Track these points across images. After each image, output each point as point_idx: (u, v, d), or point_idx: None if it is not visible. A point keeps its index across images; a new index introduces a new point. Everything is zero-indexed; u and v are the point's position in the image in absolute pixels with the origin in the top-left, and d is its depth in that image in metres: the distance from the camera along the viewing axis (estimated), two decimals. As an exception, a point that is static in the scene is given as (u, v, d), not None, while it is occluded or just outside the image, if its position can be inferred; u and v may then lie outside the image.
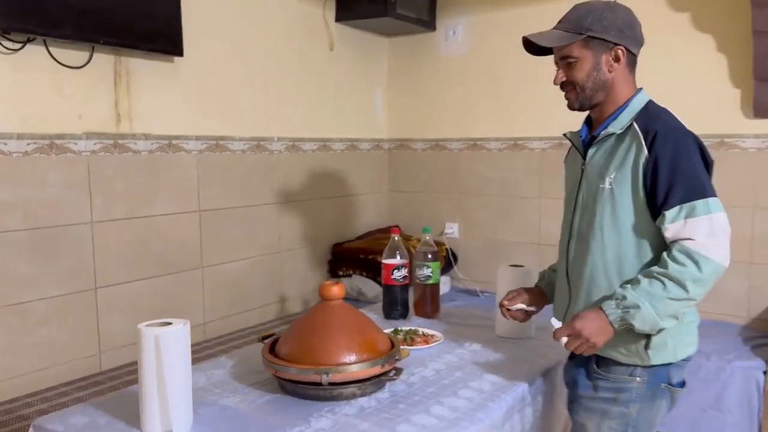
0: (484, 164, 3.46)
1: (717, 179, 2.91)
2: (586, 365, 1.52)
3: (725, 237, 1.36)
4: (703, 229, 1.33)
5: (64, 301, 2.28)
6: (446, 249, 3.45)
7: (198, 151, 2.72)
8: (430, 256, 2.10)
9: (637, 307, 1.34)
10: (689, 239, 1.34)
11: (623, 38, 1.46)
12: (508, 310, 1.69)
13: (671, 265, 1.34)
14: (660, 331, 1.39)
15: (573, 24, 1.46)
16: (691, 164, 1.37)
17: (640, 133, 1.41)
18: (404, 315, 2.10)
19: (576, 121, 1.65)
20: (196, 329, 2.72)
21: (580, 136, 1.58)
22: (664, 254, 1.37)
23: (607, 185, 1.44)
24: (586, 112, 1.58)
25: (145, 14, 2.36)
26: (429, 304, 2.12)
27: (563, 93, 1.52)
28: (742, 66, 2.76)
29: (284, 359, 1.45)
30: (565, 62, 1.48)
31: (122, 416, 1.36)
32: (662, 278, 1.34)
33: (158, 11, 2.40)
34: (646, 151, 1.38)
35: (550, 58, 1.55)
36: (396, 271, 2.07)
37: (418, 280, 2.11)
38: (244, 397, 1.47)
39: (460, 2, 3.47)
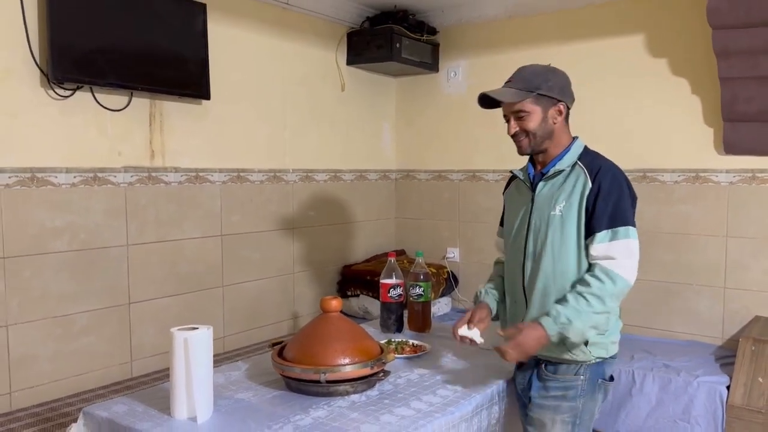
0: (482, 194, 3.74)
1: (693, 210, 3.20)
2: (537, 369, 1.80)
3: (635, 260, 1.68)
4: (621, 250, 1.66)
5: (101, 314, 2.59)
6: (447, 272, 3.72)
7: (221, 182, 3.04)
8: (422, 276, 2.37)
9: (570, 322, 1.63)
10: (609, 258, 1.66)
11: (564, 96, 1.79)
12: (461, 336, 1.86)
13: (593, 282, 1.65)
14: (587, 342, 1.70)
15: (524, 83, 1.76)
16: (621, 198, 1.70)
17: (585, 170, 1.74)
18: (399, 329, 2.38)
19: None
20: (216, 342, 2.97)
21: (528, 173, 1.87)
22: (586, 274, 1.69)
23: (557, 212, 1.75)
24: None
25: (177, 64, 2.70)
26: (421, 319, 2.39)
27: (515, 141, 1.81)
28: (713, 107, 3.03)
29: (290, 361, 1.74)
30: (517, 115, 1.78)
31: (155, 405, 1.65)
32: (586, 295, 1.65)
33: (188, 61, 2.75)
34: (590, 183, 1.71)
35: None
36: (392, 290, 2.35)
37: (411, 299, 2.38)
38: (255, 392, 1.75)
39: (460, 47, 3.80)
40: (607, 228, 1.67)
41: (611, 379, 1.81)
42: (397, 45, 3.50)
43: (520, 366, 1.85)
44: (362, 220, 3.91)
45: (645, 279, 3.19)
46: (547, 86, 1.76)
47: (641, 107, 3.25)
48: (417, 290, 2.37)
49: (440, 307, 3.66)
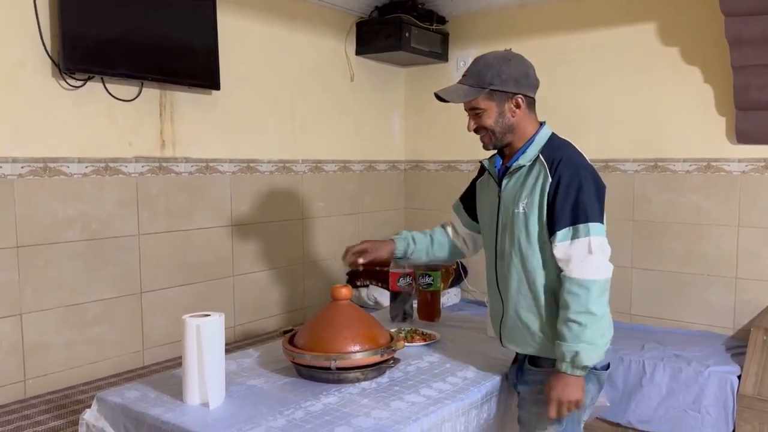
0: (492, 184, 3.72)
1: (704, 200, 3.18)
2: (521, 365, 1.77)
3: (603, 255, 1.60)
4: (583, 250, 1.58)
5: (114, 303, 2.62)
6: (457, 263, 3.72)
7: (231, 172, 3.05)
8: (432, 266, 2.38)
9: (577, 353, 1.57)
10: (573, 261, 1.59)
11: (520, 87, 1.70)
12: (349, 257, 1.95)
13: (570, 300, 1.58)
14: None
15: (476, 79, 1.68)
16: (583, 193, 1.60)
17: (545, 163, 1.65)
18: (409, 318, 2.38)
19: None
20: (227, 331, 3.00)
21: (495, 166, 1.81)
22: (562, 293, 1.61)
23: (521, 210, 1.68)
24: None
25: (186, 54, 2.71)
26: (430, 308, 2.40)
27: (479, 137, 1.77)
28: (725, 96, 3.00)
29: (300, 348, 1.75)
30: (474, 112, 1.73)
31: (167, 391, 1.66)
32: (573, 318, 1.57)
33: (198, 51, 2.76)
34: (550, 178, 1.63)
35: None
36: (401, 279, 2.36)
37: (421, 288, 2.39)
38: (267, 379, 1.77)
39: (470, 36, 3.78)
40: (568, 225, 1.59)
41: (606, 367, 1.74)
42: (407, 34, 3.49)
43: (514, 360, 1.83)
44: (371, 210, 3.92)
45: (656, 269, 3.19)
46: (500, 80, 1.67)
47: (652, 96, 3.23)
48: (427, 279, 2.38)
49: (449, 297, 3.66)
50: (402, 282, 2.36)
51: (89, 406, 1.70)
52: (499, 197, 1.76)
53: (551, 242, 1.64)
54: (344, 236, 3.71)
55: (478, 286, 3.76)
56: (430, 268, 2.38)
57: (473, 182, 1.99)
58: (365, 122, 3.84)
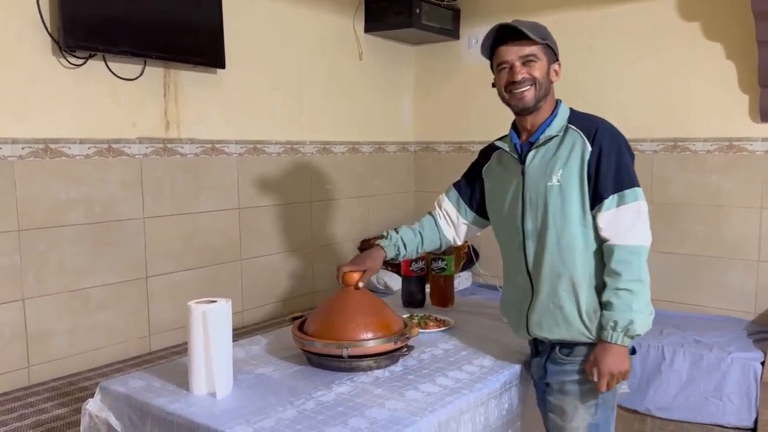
0: (504, 166, 3.63)
1: (726, 180, 3.09)
2: (551, 354, 1.68)
3: (647, 220, 1.58)
4: (631, 216, 1.55)
5: (119, 288, 2.56)
6: (468, 246, 3.64)
7: (238, 154, 2.97)
8: (445, 250, 2.30)
9: (631, 321, 1.52)
10: (620, 229, 1.54)
11: (557, 56, 1.70)
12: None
13: (622, 269, 1.53)
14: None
15: (533, 30, 1.61)
16: (624, 158, 1.59)
17: (580, 132, 1.61)
18: (421, 303, 2.31)
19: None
20: (234, 316, 2.93)
21: (514, 143, 1.73)
22: (611, 263, 1.55)
23: (555, 182, 1.61)
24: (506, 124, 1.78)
25: (191, 31, 2.62)
26: (443, 293, 2.32)
27: (517, 92, 1.63)
28: (749, 73, 2.89)
29: (311, 336, 1.68)
30: (527, 59, 1.61)
31: (173, 380, 1.60)
32: (623, 287, 1.53)
33: (203, 28, 2.67)
34: (589, 146, 1.58)
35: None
36: (414, 263, 2.28)
37: (433, 272, 2.31)
38: (276, 367, 1.70)
39: (482, 13, 3.66)
40: (614, 192, 1.56)
41: (633, 351, 1.66)
42: (417, 11, 3.38)
43: (535, 354, 1.75)
44: (381, 193, 3.84)
45: (675, 252, 3.10)
46: (552, 40, 1.66)
47: (672, 73, 3.12)
48: (440, 264, 2.30)
49: (461, 281, 3.59)
50: (414, 266, 2.29)
51: (93, 394, 1.64)
52: (524, 174, 1.68)
53: (594, 212, 1.59)
54: (353, 219, 3.64)
55: (489, 270, 3.68)
56: (443, 252, 2.30)
57: (476, 170, 1.90)
58: (374, 102, 3.74)
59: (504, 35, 1.63)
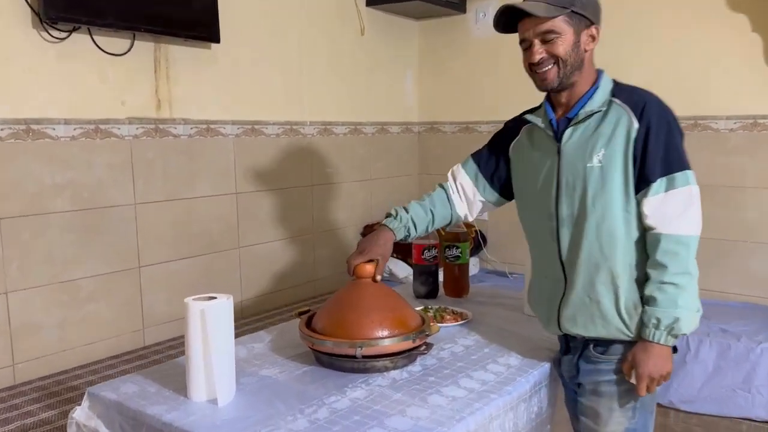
0: (513, 147, 3.47)
1: (749, 161, 2.92)
2: (584, 351, 1.53)
3: (699, 207, 1.41)
4: (681, 202, 1.39)
5: (110, 278, 2.39)
6: (476, 231, 3.49)
7: (234, 135, 2.80)
8: (459, 236, 2.15)
9: (677, 319, 1.37)
10: (667, 217, 1.38)
11: (597, 18, 1.48)
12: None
13: (667, 260, 1.38)
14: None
15: (552, 2, 1.41)
16: (674, 137, 1.41)
17: (626, 107, 1.43)
18: (434, 294, 2.16)
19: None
20: (234, 307, 2.82)
21: (549, 119, 1.54)
22: (655, 254, 1.40)
23: (595, 163, 1.44)
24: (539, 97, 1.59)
25: (183, 3, 2.43)
26: (458, 283, 2.18)
27: (538, 72, 1.47)
28: (777, 46, 2.73)
29: (320, 333, 1.53)
30: (545, 37, 1.44)
31: (170, 385, 1.45)
32: (668, 280, 1.38)
33: (196, 0, 2.48)
34: (636, 123, 1.41)
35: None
36: (426, 251, 2.13)
37: (447, 260, 2.16)
38: (282, 368, 1.55)
39: (491, -16, 3.48)
40: (662, 175, 1.39)
41: (674, 350, 1.51)
42: (422, -18, 3.20)
43: (566, 351, 1.59)
44: (384, 176, 3.67)
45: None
46: (581, 3, 1.43)
47: (692, 47, 2.95)
48: (454, 251, 2.15)
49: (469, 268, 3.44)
50: (427, 254, 2.13)
51: (84, 395, 1.48)
52: (560, 153, 1.51)
53: (640, 197, 1.42)
54: (356, 204, 3.48)
55: (498, 255, 3.54)
56: (457, 239, 2.15)
57: (501, 145, 1.72)
58: (377, 81, 3.56)
59: (520, 10, 1.45)
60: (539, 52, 1.45)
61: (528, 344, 1.69)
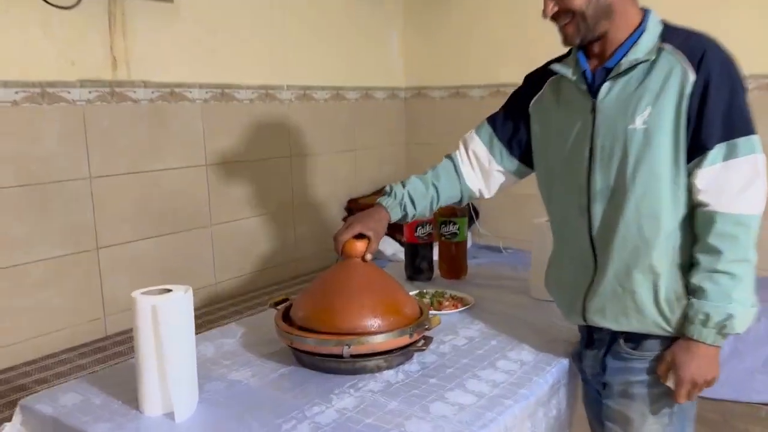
0: (508, 113, 3.23)
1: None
2: (612, 346, 1.31)
3: (765, 180, 1.17)
4: (743, 173, 1.15)
5: (63, 262, 2.13)
6: (467, 204, 3.26)
7: (202, 100, 2.52)
8: (456, 211, 1.91)
9: (730, 316, 1.14)
10: (725, 192, 1.15)
11: None
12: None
13: (722, 244, 1.15)
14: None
15: None
16: (738, 95, 1.16)
17: (680, 54, 1.17)
18: (429, 276, 1.93)
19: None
20: (207, 290, 2.58)
21: (582, 70, 1.28)
22: (706, 236, 1.16)
23: (638, 125, 1.19)
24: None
25: (138, -53, 2.14)
26: (455, 263, 1.95)
27: (558, 26, 1.26)
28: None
29: (301, 325, 1.29)
30: None
31: (120, 395, 1.20)
32: (722, 269, 1.15)
33: (153, -57, 2.18)
34: (692, 75, 1.15)
35: None
36: (420, 228, 1.89)
37: (443, 238, 1.93)
38: (256, 370, 1.31)
39: (483, -66, 3.19)
40: (722, 141, 1.14)
41: None
42: (409, -69, 2.91)
43: (589, 343, 1.36)
44: (368, 146, 3.41)
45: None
46: None
47: (710, 5, 2.70)
48: (450, 227, 1.92)
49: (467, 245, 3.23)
50: (420, 232, 1.90)
51: (35, 393, 1.26)
52: (595, 112, 1.26)
53: (692, 166, 1.18)
54: (339, 176, 3.22)
55: (491, 229, 3.31)
56: (453, 213, 1.92)
57: (521, 103, 1.47)
58: (360, 42, 3.28)
59: None
60: (552, 7, 1.23)
61: (541, 335, 1.47)
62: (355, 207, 3.20)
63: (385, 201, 1.45)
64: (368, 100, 3.39)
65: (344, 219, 3.21)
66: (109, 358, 2.02)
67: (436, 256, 1.97)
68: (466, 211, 1.95)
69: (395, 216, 1.45)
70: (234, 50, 2.63)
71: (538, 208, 3.08)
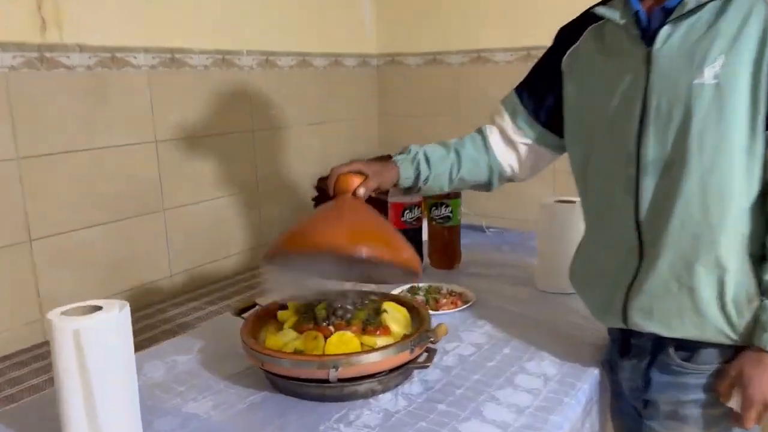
0: (490, 80, 2.97)
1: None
2: (658, 356, 1.08)
3: None
4: None
5: (-13, 258, 1.83)
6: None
7: (149, 66, 2.21)
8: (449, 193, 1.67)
9: None
10: None
11: None
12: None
13: None
14: None
15: None
16: None
17: None
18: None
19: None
20: (160, 283, 2.30)
21: (633, 11, 1.03)
22: None
23: (707, 80, 0.95)
24: None
25: None
26: (448, 251, 1.71)
27: None
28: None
29: (275, 250, 1.06)
30: None
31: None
32: None
33: None
34: None
35: None
36: (407, 211, 1.65)
37: (434, 222, 1.69)
38: (219, 399, 1.04)
39: None
40: None
41: None
42: None
43: (625, 351, 1.13)
44: (339, 118, 3.15)
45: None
46: None
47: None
48: (443, 210, 1.68)
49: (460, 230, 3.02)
50: (408, 216, 1.65)
51: None
52: (650, 63, 1.00)
53: None
54: (307, 152, 2.94)
55: (473, 207, 3.08)
56: (446, 195, 1.67)
57: (552, 62, 1.21)
58: (328, 2, 2.99)
59: None
60: None
61: (561, 338, 1.24)
62: (326, 186, 2.95)
63: (397, 157, 1.23)
64: (337, 68, 3.11)
65: (314, 199, 2.97)
66: (50, 367, 1.73)
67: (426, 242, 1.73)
68: (459, 192, 1.71)
69: (406, 173, 1.21)
70: (185, 9, 2.32)
71: (520, 185, 2.72)
